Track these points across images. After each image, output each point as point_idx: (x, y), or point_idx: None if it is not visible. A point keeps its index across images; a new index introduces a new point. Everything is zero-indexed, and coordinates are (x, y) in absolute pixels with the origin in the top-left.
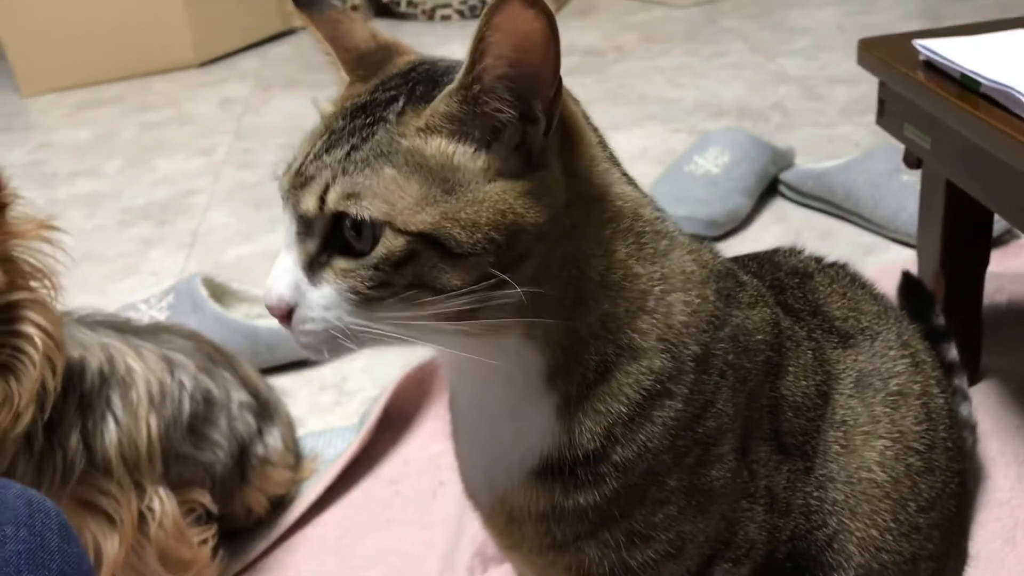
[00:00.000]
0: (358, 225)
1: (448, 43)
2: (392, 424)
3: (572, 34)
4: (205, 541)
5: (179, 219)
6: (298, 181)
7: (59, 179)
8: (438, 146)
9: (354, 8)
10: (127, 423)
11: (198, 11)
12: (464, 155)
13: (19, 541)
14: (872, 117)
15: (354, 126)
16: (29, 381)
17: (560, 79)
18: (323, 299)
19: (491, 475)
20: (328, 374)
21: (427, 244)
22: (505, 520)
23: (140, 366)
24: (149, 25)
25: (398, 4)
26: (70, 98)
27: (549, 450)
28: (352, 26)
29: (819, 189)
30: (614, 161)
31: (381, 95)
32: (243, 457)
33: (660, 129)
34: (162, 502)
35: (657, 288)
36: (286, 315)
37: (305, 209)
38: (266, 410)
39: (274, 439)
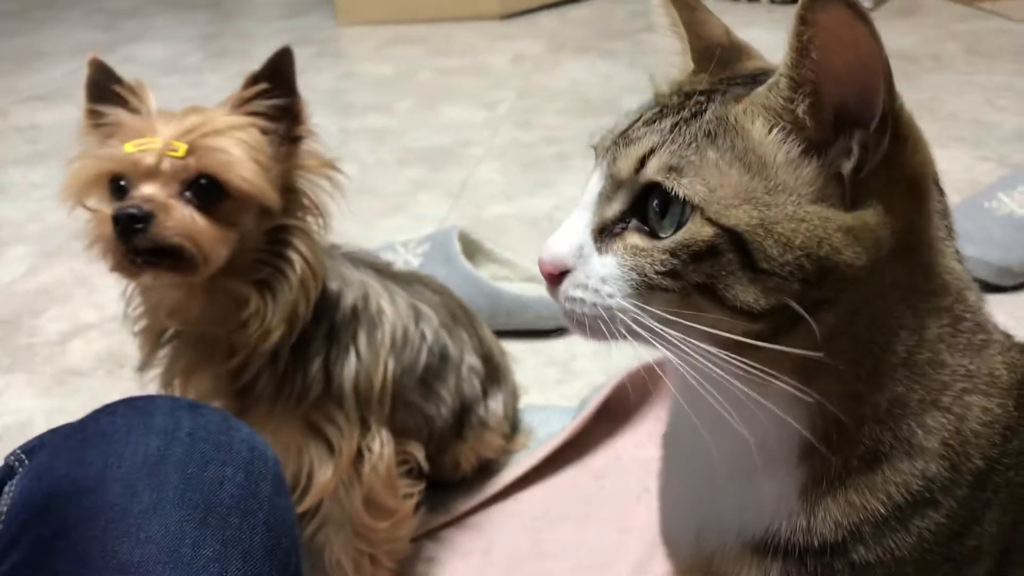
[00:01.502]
0: (667, 203)
1: (751, 26)
2: (610, 416)
3: (888, 35)
4: (411, 495)
5: (452, 168)
6: (621, 140)
7: (355, 110)
8: (761, 133)
9: None
10: (367, 360)
11: None
12: (786, 154)
13: (235, 485)
14: None
15: (687, 103)
16: (283, 302)
17: (893, 120)
18: (604, 269)
19: (700, 532)
20: (558, 350)
21: (733, 244)
22: None
23: (391, 309)
24: None
25: None
26: (380, 33)
27: (779, 528)
28: (708, 18)
29: None
30: (950, 233)
31: (723, 87)
32: (463, 416)
33: (966, 154)
34: (382, 445)
35: (959, 385)
36: (557, 276)
37: (619, 169)
38: (495, 374)
39: (496, 404)
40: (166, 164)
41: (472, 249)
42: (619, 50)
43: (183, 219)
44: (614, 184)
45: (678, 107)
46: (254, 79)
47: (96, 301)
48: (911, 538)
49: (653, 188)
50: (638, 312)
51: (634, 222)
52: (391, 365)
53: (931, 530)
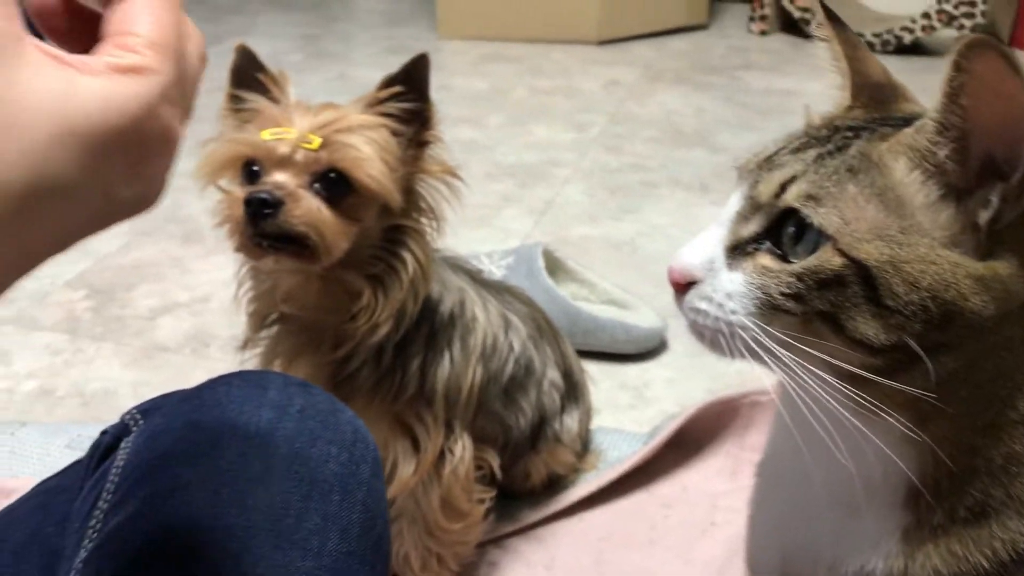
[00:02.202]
0: (802, 229)
1: None
2: (680, 446)
3: None
4: (483, 500)
5: (538, 185)
6: (765, 165)
7: (447, 122)
8: (902, 173)
9: (762, 19)
10: (459, 365)
11: None
12: (925, 196)
13: (339, 464)
14: None
15: (834, 137)
16: (393, 298)
17: None
18: (731, 285)
19: (792, 563)
20: (632, 376)
21: (860, 278)
22: None
23: (483, 317)
24: None
25: (807, 22)
26: (477, 48)
27: (874, 567)
28: (868, 55)
29: None
30: None
31: (874, 126)
32: (539, 428)
33: None
34: (464, 449)
35: None
36: (683, 286)
37: (760, 192)
38: (573, 391)
39: (571, 420)
40: (299, 155)
41: (554, 266)
42: (715, 84)
43: (310, 209)
44: (753, 206)
45: (825, 139)
46: (389, 81)
47: (187, 282)
48: None
49: (790, 214)
50: (758, 332)
51: (768, 244)
52: (479, 372)
53: None
